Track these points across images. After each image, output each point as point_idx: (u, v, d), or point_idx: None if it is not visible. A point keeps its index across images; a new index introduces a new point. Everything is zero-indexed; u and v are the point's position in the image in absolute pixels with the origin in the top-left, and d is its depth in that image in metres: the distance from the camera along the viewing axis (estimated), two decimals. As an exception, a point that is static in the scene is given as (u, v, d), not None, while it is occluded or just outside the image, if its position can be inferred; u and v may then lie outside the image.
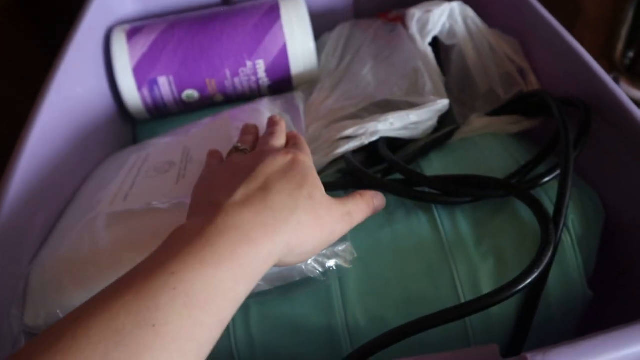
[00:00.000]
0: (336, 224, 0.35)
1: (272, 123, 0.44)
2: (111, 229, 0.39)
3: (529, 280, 0.34)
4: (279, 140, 0.41)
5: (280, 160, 0.35)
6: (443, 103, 0.48)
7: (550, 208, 0.40)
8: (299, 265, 0.37)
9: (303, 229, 0.33)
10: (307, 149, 0.40)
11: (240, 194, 0.32)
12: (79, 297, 0.36)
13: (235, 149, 0.40)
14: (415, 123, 0.48)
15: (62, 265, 0.37)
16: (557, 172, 0.41)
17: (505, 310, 0.37)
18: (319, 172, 0.50)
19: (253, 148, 0.41)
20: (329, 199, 0.36)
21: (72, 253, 0.38)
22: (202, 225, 0.30)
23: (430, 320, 0.33)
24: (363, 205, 0.38)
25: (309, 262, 0.37)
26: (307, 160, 0.37)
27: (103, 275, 0.36)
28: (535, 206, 0.38)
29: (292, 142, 0.41)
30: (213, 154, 0.42)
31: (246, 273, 0.29)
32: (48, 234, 0.44)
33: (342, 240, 0.38)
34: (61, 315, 0.35)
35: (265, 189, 0.33)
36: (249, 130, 0.45)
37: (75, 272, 0.37)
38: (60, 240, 0.40)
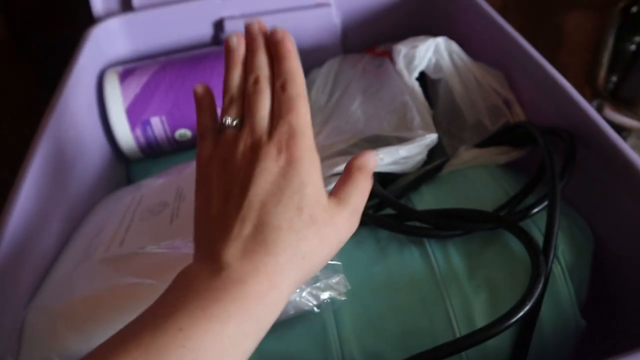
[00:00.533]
0: (342, 233, 0.33)
1: (250, 52, 0.37)
2: (107, 274, 0.39)
3: (521, 314, 0.34)
4: (265, 102, 0.35)
5: (273, 170, 0.31)
6: (432, 137, 0.49)
7: (540, 238, 0.40)
8: (293, 298, 0.37)
9: (309, 258, 0.31)
10: (302, 116, 0.33)
11: (236, 241, 0.30)
12: (74, 342, 0.36)
13: (225, 127, 0.35)
14: (405, 158, 0.49)
15: (58, 310, 0.37)
16: (545, 203, 0.42)
17: (500, 342, 0.38)
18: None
19: (242, 115, 0.35)
20: (331, 210, 0.32)
21: (68, 298, 0.38)
22: (208, 278, 0.29)
23: (426, 356, 0.33)
24: (365, 185, 0.35)
25: (304, 294, 0.37)
26: (303, 153, 0.32)
27: (100, 320, 0.36)
28: (525, 238, 0.39)
29: (280, 105, 0.34)
30: (202, 135, 0.37)
31: (255, 325, 0.28)
32: (44, 277, 0.44)
33: (336, 272, 0.38)
34: (57, 361, 0.35)
35: (261, 227, 0.30)
36: (231, 93, 0.37)
37: (71, 317, 0.37)
38: (56, 285, 0.40)
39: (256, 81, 0.36)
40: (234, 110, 0.36)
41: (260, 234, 0.30)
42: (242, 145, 0.33)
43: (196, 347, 0.26)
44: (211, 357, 0.26)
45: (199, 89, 0.38)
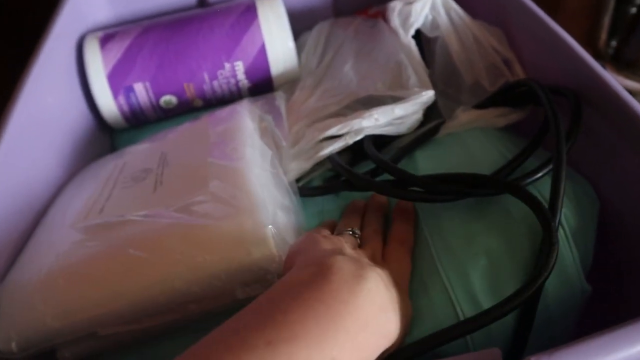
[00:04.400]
0: None
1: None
2: (84, 243, 0.37)
3: (537, 285, 0.32)
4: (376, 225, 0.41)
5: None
6: (428, 94, 0.47)
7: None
8: None
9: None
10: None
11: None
12: (53, 319, 0.33)
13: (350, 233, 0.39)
14: (400, 117, 0.46)
15: (34, 283, 0.35)
16: (550, 166, 0.39)
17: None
18: (303, 177, 0.48)
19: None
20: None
21: (44, 270, 0.35)
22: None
23: (431, 341, 0.31)
24: None
25: None
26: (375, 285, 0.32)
27: (76, 293, 0.34)
28: (535, 205, 0.35)
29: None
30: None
31: None
32: (20, 251, 0.41)
33: None
34: (34, 337, 0.33)
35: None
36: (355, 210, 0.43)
37: (47, 291, 0.34)
38: (31, 258, 0.38)
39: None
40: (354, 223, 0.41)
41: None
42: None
43: None
44: None
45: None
